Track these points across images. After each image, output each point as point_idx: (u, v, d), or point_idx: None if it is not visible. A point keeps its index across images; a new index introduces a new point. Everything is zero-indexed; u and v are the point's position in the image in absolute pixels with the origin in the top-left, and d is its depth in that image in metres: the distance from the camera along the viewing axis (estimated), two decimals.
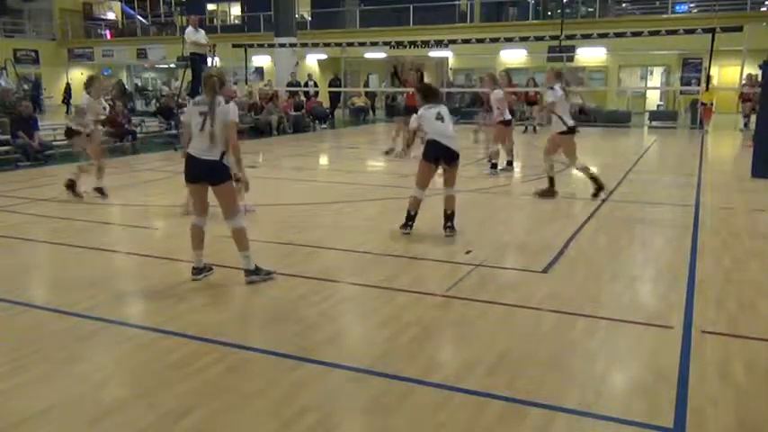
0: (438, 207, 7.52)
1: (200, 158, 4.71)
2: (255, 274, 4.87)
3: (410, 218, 6.33)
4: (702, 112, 18.58)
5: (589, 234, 6.45)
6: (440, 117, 6.03)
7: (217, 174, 4.73)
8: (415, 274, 5.17)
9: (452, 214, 6.31)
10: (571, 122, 7.98)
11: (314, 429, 2.86)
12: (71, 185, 8.27)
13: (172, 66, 31.36)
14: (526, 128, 18.83)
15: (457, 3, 27.67)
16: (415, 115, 6.32)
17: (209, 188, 4.87)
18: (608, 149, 15.36)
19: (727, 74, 22.34)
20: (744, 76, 17.11)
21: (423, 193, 6.24)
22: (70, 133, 8.44)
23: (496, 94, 10.12)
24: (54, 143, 13.12)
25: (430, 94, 6.27)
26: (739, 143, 15.73)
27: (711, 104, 18.36)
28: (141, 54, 32.38)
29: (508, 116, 10.23)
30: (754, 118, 14.13)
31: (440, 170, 6.27)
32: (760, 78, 17.17)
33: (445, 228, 6.29)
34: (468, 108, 24.28)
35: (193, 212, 5.06)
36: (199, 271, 5.00)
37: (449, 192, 6.28)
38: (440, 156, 6.05)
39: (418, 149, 6.53)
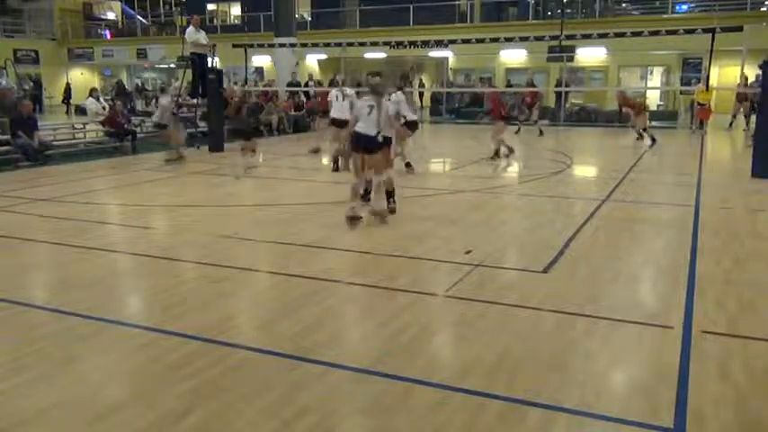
0: (435, 207, 7.54)
1: (365, 134, 6.60)
2: (381, 215, 6.77)
3: (368, 192, 7.25)
4: (698, 112, 18.58)
5: (589, 234, 6.45)
6: (370, 112, 6.71)
7: (375, 145, 6.61)
8: (415, 274, 5.17)
9: (392, 192, 7.11)
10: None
11: (314, 429, 2.86)
12: None
13: (172, 66, 31.35)
14: (519, 129, 18.24)
15: (457, 3, 27.67)
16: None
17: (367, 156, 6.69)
18: (608, 149, 15.37)
19: (728, 74, 22.33)
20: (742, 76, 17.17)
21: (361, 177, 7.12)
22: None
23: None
24: (54, 143, 13.14)
25: (371, 90, 7.06)
26: (739, 143, 15.74)
27: (709, 104, 18.35)
28: (141, 54, 32.37)
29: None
30: (753, 118, 14.15)
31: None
32: (751, 78, 17.30)
33: (388, 203, 7.09)
34: (467, 108, 24.34)
35: (354, 173, 6.93)
36: (356, 219, 6.57)
37: (378, 178, 6.88)
38: (361, 145, 6.76)
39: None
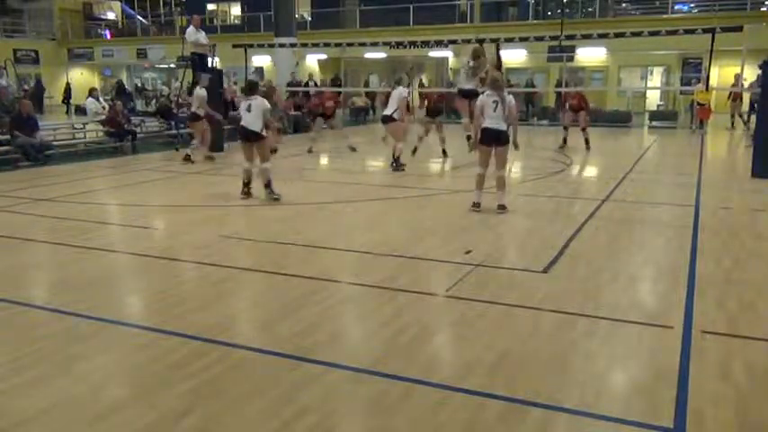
0: (434, 207, 7.54)
1: (494, 128, 7.19)
2: (504, 208, 7.27)
3: (245, 185, 8.20)
4: (698, 112, 18.57)
5: (589, 234, 6.45)
6: (248, 109, 7.98)
7: (503, 138, 7.25)
8: (415, 274, 5.17)
9: (269, 183, 8.03)
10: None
11: (313, 429, 2.86)
12: None
13: (172, 66, 31.36)
14: (565, 139, 16.69)
15: (457, 3, 27.67)
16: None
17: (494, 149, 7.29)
18: (608, 149, 15.38)
19: (728, 74, 22.33)
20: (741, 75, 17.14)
21: (249, 165, 8.13)
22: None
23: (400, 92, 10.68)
24: (54, 143, 13.13)
25: (247, 90, 8.41)
26: (739, 143, 15.74)
27: (708, 104, 18.34)
28: (141, 54, 32.39)
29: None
30: (753, 117, 14.13)
31: None
32: (751, 78, 17.29)
33: (268, 195, 8.05)
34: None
35: (480, 165, 7.40)
36: (478, 205, 7.32)
37: (261, 166, 8.05)
38: (242, 137, 8.09)
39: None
